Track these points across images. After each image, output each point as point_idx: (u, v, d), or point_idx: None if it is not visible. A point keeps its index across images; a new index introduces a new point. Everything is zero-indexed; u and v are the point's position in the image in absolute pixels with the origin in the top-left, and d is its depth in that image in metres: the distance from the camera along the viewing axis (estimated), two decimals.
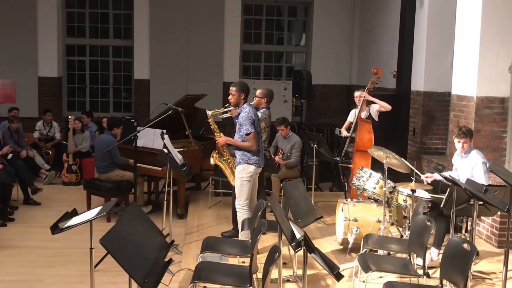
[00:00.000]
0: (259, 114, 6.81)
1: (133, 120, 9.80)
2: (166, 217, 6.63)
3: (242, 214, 6.14)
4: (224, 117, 6.54)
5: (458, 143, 5.96)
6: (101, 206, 4.38)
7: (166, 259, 4.18)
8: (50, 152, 10.52)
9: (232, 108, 6.28)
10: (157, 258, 4.02)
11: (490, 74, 6.93)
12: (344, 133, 8.12)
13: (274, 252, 4.06)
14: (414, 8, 8.91)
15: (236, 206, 6.22)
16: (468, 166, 5.94)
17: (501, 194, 5.27)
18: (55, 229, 4.13)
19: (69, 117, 9.96)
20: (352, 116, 8.07)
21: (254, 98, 7.05)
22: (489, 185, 5.45)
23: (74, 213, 4.35)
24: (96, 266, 5.58)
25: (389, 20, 10.40)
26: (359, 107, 7.74)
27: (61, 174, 9.84)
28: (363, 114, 7.76)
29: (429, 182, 6.25)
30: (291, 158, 8.22)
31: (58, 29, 12.17)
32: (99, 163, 7.89)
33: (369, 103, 7.79)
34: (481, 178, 5.76)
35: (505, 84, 6.96)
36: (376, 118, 7.73)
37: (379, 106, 7.67)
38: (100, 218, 4.30)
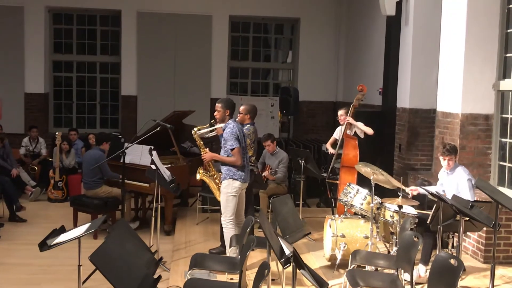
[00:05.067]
0: (244, 131, 6.86)
1: (121, 136, 9.77)
2: (154, 234, 6.60)
3: (228, 230, 6.14)
4: (211, 135, 6.58)
5: (443, 161, 6.03)
6: (90, 223, 4.37)
7: (155, 276, 4.17)
8: (36, 168, 10.44)
9: (218, 126, 6.33)
10: (146, 275, 4.00)
11: (475, 91, 7.04)
12: (330, 149, 8.17)
13: (263, 269, 4.07)
14: (399, 26, 9.02)
15: (222, 222, 6.23)
16: (454, 182, 6.00)
17: (486, 210, 5.34)
18: (43, 246, 4.10)
19: (56, 133, 9.92)
20: (337, 133, 8.12)
21: (238, 115, 7.10)
22: (474, 201, 5.51)
23: (62, 230, 4.33)
24: (83, 283, 5.54)
25: (374, 38, 10.53)
26: (344, 125, 7.79)
27: (47, 191, 9.77)
28: (349, 131, 7.82)
29: (414, 195, 6.32)
30: (278, 174, 8.26)
31: (45, 45, 12.16)
32: (86, 179, 7.86)
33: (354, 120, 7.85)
34: (467, 194, 5.82)
35: (489, 101, 7.06)
36: (361, 135, 7.78)
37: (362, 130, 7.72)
38: (87, 235, 4.27)
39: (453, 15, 7.28)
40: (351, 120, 7.65)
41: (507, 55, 6.98)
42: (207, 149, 6.53)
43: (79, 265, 4.15)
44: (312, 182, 9.79)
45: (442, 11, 7.59)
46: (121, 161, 6.88)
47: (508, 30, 6.96)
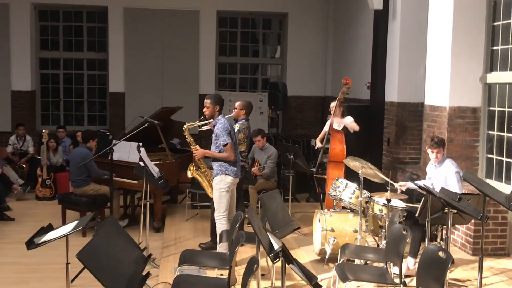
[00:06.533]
0: (238, 125, 6.93)
1: (108, 133, 9.71)
2: (143, 231, 6.58)
3: (221, 225, 6.13)
4: (204, 129, 6.56)
5: (431, 154, 6.05)
6: (78, 221, 4.34)
7: (144, 273, 4.15)
8: (24, 167, 10.36)
9: (211, 120, 6.31)
10: (134, 272, 3.98)
11: (462, 84, 7.06)
12: (318, 144, 8.18)
13: (252, 264, 4.06)
14: (387, 20, 9.03)
15: (216, 218, 6.21)
16: (442, 175, 6.03)
17: (474, 203, 5.36)
18: (31, 244, 4.07)
19: (43, 131, 9.85)
20: (327, 126, 8.13)
21: (234, 110, 7.14)
22: (462, 194, 5.54)
23: (50, 228, 4.30)
24: (72, 281, 5.52)
25: (362, 32, 10.54)
26: (332, 115, 7.80)
27: (35, 189, 9.70)
28: (338, 126, 7.82)
29: (404, 191, 6.34)
30: (265, 170, 8.27)
31: (32, 42, 12.07)
32: (74, 177, 7.80)
33: (343, 114, 7.86)
34: (455, 187, 5.84)
35: (476, 95, 7.09)
36: (351, 130, 7.79)
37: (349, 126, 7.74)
38: (75, 233, 4.25)
39: (440, 8, 7.29)
40: (335, 121, 7.64)
41: (494, 48, 7.00)
42: (198, 146, 6.51)
43: (67, 263, 4.13)
44: (301, 177, 9.80)
45: (429, 5, 7.61)
46: (109, 158, 6.84)
47: (495, 23, 6.98)
